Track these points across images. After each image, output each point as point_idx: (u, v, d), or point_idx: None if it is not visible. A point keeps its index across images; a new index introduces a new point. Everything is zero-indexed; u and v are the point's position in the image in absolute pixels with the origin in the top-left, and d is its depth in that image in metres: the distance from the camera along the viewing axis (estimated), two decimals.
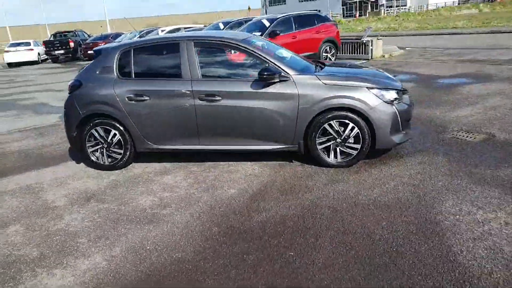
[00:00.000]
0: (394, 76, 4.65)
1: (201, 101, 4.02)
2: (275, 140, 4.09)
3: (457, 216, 2.96)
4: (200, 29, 15.99)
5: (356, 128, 3.90)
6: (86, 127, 4.34)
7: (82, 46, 23.69)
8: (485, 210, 3.02)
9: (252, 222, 3.16)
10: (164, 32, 17.82)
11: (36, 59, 25.34)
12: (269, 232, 2.99)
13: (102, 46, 5.08)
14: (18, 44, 25.47)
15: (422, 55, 12.70)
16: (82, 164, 4.84)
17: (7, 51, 24.86)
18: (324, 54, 11.91)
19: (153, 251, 2.87)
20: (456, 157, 4.10)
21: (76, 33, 27.23)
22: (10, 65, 24.83)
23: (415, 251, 2.59)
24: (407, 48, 14.67)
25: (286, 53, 4.79)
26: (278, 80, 3.90)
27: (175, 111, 4.11)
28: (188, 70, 4.07)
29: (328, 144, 4.01)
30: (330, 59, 11.93)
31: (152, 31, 18.98)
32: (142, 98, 4.14)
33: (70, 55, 25.29)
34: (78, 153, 4.75)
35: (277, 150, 4.16)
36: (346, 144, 3.98)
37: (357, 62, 9.71)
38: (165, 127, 4.21)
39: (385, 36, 19.64)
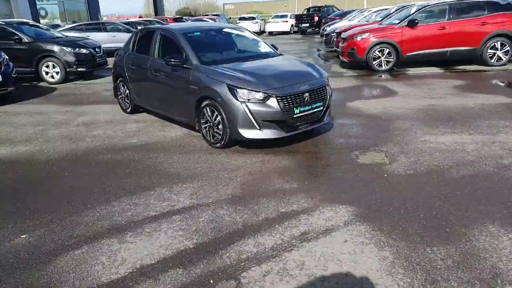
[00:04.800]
0: None
1: None
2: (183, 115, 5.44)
3: None
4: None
5: (219, 116, 4.76)
6: None
7: (322, 21, 26.50)
8: None
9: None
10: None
11: (289, 30, 30.14)
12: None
13: None
14: (278, 16, 30.89)
15: None
16: None
17: (269, 22, 30.78)
18: (490, 51, 10.02)
19: None
20: None
21: (325, 8, 30.20)
22: (271, 33, 30.69)
23: None
24: None
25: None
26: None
27: None
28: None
29: (206, 125, 5.03)
30: (501, 59, 9.95)
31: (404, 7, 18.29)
32: None
33: (314, 28, 28.70)
34: None
35: (184, 122, 5.48)
36: (215, 128, 4.89)
37: None
38: None
39: None
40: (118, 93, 6.96)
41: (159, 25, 6.89)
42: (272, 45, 6.18)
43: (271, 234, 2.99)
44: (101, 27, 16.75)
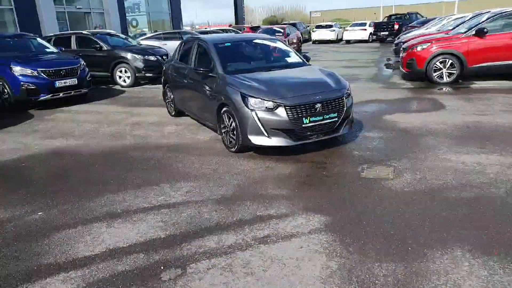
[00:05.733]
0: None
1: None
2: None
3: None
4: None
5: (233, 123, 5.06)
6: None
7: (403, 29, 25.41)
8: None
9: None
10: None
11: (367, 38, 29.38)
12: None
13: None
14: (356, 25, 30.31)
15: None
16: None
17: (346, 30, 30.34)
18: None
19: None
20: None
21: (407, 16, 28.85)
22: (348, 42, 30.22)
23: None
24: None
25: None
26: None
27: None
28: None
29: (224, 130, 5.36)
30: None
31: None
32: None
33: (394, 36, 27.58)
34: None
35: (210, 126, 5.87)
36: (230, 133, 5.20)
37: None
38: None
39: None
40: (166, 98, 7.63)
41: (200, 36, 7.37)
42: (304, 55, 6.30)
43: (236, 234, 3.19)
44: (178, 36, 18.10)
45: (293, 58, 6.17)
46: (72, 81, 8.97)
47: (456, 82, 9.54)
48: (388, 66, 14.10)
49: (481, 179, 4.00)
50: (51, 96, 8.64)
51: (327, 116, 4.87)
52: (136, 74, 11.42)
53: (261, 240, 3.07)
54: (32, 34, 10.41)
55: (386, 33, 28.04)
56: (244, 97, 4.82)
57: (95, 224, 3.46)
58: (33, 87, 8.37)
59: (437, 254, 2.78)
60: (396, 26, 27.32)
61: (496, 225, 3.13)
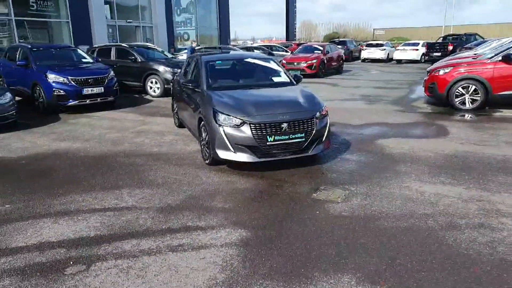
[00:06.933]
0: None
1: None
2: None
3: None
4: None
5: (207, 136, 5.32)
6: None
7: (457, 50, 24.31)
8: None
9: None
10: None
11: (418, 59, 28.40)
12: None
13: None
14: (408, 44, 29.43)
15: None
16: None
17: (397, 50, 29.55)
18: None
19: None
20: None
21: (464, 37, 27.52)
22: (399, 62, 29.42)
23: None
24: None
25: None
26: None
27: None
28: None
29: (202, 143, 5.64)
30: None
31: None
32: None
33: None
34: None
35: (197, 139, 6.17)
36: (205, 146, 5.46)
37: None
38: None
39: None
40: (173, 109, 8.10)
41: (201, 53, 7.74)
42: (295, 76, 6.43)
43: (155, 241, 3.42)
44: (219, 51, 18.85)
45: (281, 78, 6.32)
46: (99, 89, 9.77)
47: (482, 109, 9.04)
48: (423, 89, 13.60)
49: (425, 211, 3.88)
50: (78, 102, 9.49)
51: (293, 136, 4.96)
52: (165, 86, 12.11)
53: (173, 248, 3.27)
54: (73, 46, 11.49)
55: (439, 54, 26.82)
56: (215, 113, 5.07)
57: (44, 220, 3.86)
58: (63, 93, 9.27)
59: (324, 278, 2.81)
60: (451, 47, 26.14)
61: (403, 256, 3.07)
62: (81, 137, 7.27)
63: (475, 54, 10.94)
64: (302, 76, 6.62)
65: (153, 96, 12.40)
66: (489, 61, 9.00)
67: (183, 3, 25.63)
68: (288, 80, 6.24)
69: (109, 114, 9.63)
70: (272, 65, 6.60)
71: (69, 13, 17.05)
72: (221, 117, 4.98)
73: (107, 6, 19.59)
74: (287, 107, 5.14)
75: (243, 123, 4.88)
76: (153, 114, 9.54)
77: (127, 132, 7.62)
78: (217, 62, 6.37)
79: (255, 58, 6.78)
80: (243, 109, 5.01)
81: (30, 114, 9.39)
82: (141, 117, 9.21)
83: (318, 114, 5.19)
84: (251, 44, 29.94)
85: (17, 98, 11.09)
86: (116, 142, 6.90)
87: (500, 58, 8.83)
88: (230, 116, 4.96)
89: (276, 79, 6.28)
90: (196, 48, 16.78)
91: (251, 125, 4.85)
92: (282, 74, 6.42)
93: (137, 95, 12.66)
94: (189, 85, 6.07)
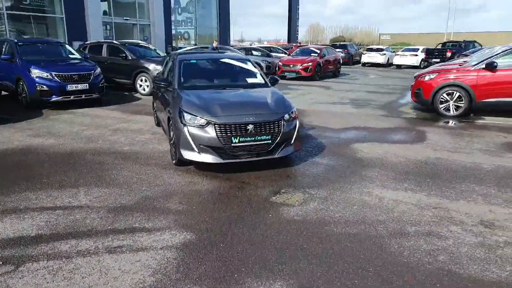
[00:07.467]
0: None
1: None
2: None
3: None
4: None
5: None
6: None
7: (455, 57, 24.19)
8: None
9: None
10: None
11: (418, 64, 28.27)
12: None
13: None
14: (408, 50, 29.30)
15: None
16: None
17: (397, 55, 29.42)
18: None
19: None
20: None
21: (463, 44, 27.41)
22: (399, 67, 29.30)
23: None
24: None
25: None
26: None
27: None
28: None
29: (171, 142, 5.58)
30: None
31: None
32: None
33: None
34: None
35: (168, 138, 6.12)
36: (172, 146, 5.40)
37: None
38: None
39: None
40: (153, 108, 8.04)
41: (180, 52, 7.71)
42: (271, 77, 6.36)
43: (96, 241, 3.36)
44: (216, 51, 18.80)
45: (256, 79, 6.26)
46: (84, 85, 9.74)
47: (466, 116, 8.95)
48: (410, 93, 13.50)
49: (379, 217, 3.81)
50: (62, 98, 9.46)
51: (259, 138, 4.90)
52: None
53: (111, 250, 3.22)
54: (62, 41, 11.47)
55: (438, 60, 26.69)
56: (180, 112, 5.02)
57: None
58: (46, 89, 9.24)
59: (255, 284, 2.75)
60: (449, 54, 26.03)
61: (342, 263, 3.00)
62: (57, 134, 7.23)
63: (464, 61, 10.83)
64: (278, 79, 6.55)
65: (142, 94, 12.37)
66: (473, 68, 8.92)
67: (183, 2, 25.62)
68: (263, 82, 6.18)
69: (93, 111, 9.59)
70: (249, 66, 6.53)
71: (63, 9, 17.05)
72: (187, 117, 4.92)
73: (104, 2, 19.61)
74: (254, 108, 5.08)
75: (207, 123, 4.82)
76: (137, 112, 9.50)
77: (105, 130, 7.57)
78: (191, 61, 6.31)
79: (231, 58, 6.71)
80: (208, 109, 4.95)
81: (13, 109, 9.36)
82: (124, 115, 9.17)
83: (286, 116, 5.12)
84: (250, 45, 29.87)
85: (3, 93, 11.17)
86: (91, 139, 6.85)
87: (483, 66, 8.74)
88: (195, 116, 4.90)
89: (250, 80, 6.21)
90: (215, 47, 16.80)
91: (216, 125, 4.79)
92: (258, 75, 6.36)
93: (127, 93, 12.63)
94: (162, 84, 6.02)
